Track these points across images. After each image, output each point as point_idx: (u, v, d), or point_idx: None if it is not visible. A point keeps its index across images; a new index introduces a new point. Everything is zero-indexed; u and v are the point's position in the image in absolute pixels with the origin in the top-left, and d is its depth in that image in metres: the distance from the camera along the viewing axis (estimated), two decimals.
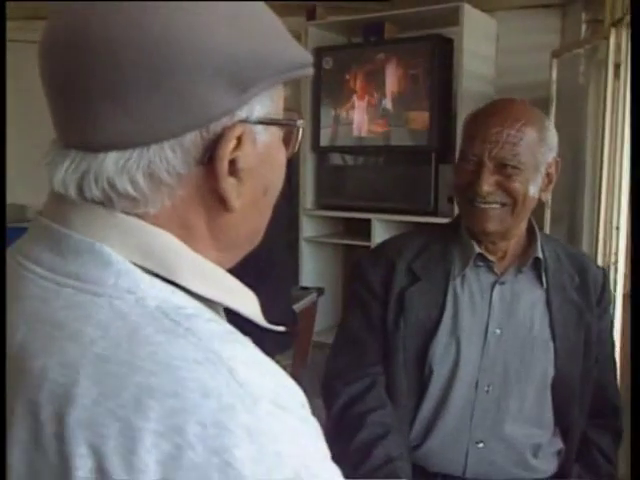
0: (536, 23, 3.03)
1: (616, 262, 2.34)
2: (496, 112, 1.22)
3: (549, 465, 1.30)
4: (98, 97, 0.47)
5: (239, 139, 0.51)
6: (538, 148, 1.21)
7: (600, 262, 2.40)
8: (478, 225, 1.22)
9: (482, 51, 2.99)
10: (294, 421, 0.47)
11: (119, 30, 0.46)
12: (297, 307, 2.53)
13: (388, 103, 3.00)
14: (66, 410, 0.44)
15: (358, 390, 1.27)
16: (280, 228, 2.20)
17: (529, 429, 1.27)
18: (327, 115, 3.13)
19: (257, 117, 0.52)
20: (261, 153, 0.54)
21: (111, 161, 0.49)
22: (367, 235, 2.98)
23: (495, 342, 1.25)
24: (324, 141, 3.14)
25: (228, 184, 0.51)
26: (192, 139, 0.49)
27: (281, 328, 0.58)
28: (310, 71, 0.57)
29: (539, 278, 1.28)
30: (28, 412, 0.45)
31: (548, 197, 1.27)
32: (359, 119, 3.07)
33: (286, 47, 0.54)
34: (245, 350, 0.49)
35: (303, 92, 3.18)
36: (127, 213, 0.51)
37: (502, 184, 1.19)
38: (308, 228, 3.24)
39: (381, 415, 1.24)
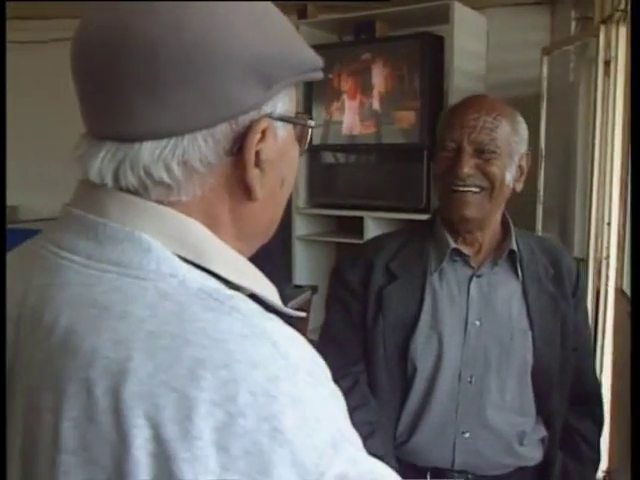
0: (526, 20, 3.05)
1: (608, 257, 2.36)
2: (473, 103, 1.29)
3: (535, 452, 1.33)
4: (136, 92, 0.50)
5: (263, 132, 0.55)
6: (512, 137, 1.26)
7: (592, 257, 2.42)
8: (457, 211, 1.25)
9: (472, 48, 3.00)
10: (325, 391, 0.51)
11: (159, 31, 0.50)
12: (291, 305, 2.53)
13: (375, 102, 3.01)
14: (121, 384, 0.46)
15: (341, 389, 1.29)
16: None
17: (513, 417, 1.29)
18: (318, 113, 3.13)
19: (278, 113, 0.56)
20: (280, 147, 0.57)
21: (147, 150, 0.52)
22: (360, 233, 2.98)
23: (475, 333, 1.28)
24: (316, 139, 3.14)
25: (254, 174, 0.55)
26: (223, 130, 0.53)
27: (302, 314, 0.61)
28: (321, 75, 0.62)
29: (515, 270, 1.31)
30: (80, 389, 0.47)
31: (520, 187, 1.31)
32: (350, 118, 3.08)
33: (302, 50, 0.59)
34: (281, 325, 0.52)
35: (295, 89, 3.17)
36: (160, 202, 0.54)
37: (481, 167, 1.24)
38: (301, 226, 3.24)
39: (365, 413, 1.26)
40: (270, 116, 0.55)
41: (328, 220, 3.36)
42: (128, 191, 0.53)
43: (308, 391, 0.49)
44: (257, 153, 0.55)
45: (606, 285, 2.38)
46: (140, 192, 0.53)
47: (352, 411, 1.25)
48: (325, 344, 1.35)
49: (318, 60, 0.60)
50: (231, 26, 0.52)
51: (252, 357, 0.47)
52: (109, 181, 0.53)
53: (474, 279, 1.30)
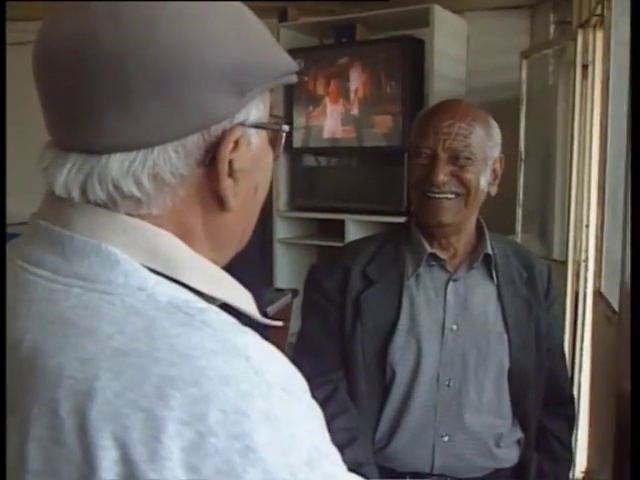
0: (506, 24, 3.07)
1: (586, 260, 2.38)
2: (446, 109, 1.28)
3: (511, 454, 1.34)
4: (104, 103, 0.49)
5: (236, 141, 0.53)
6: (486, 142, 1.26)
7: (570, 259, 2.44)
8: (434, 218, 1.26)
9: (453, 52, 3.01)
10: (302, 406, 0.50)
11: (128, 41, 0.48)
12: (272, 309, 2.52)
13: (356, 106, 3.01)
14: (88, 404, 0.44)
15: (321, 397, 1.28)
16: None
17: (490, 419, 1.30)
18: (299, 116, 3.13)
19: (252, 121, 0.55)
20: (253, 155, 0.56)
21: (116, 163, 0.50)
22: (341, 236, 2.98)
23: (453, 337, 1.29)
24: (297, 142, 3.13)
25: (227, 184, 0.54)
26: (194, 141, 0.52)
27: (279, 323, 0.61)
28: (295, 78, 0.61)
29: (490, 274, 1.32)
30: (47, 410, 0.46)
31: (494, 191, 1.32)
32: (331, 121, 3.08)
33: (277, 54, 0.58)
34: (255, 339, 0.50)
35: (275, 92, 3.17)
36: (130, 214, 0.52)
37: (456, 174, 1.24)
38: (282, 230, 3.23)
39: (346, 420, 1.26)
40: (243, 124, 0.54)
41: (309, 223, 3.36)
42: (96, 204, 0.52)
43: (283, 407, 0.47)
44: (230, 162, 0.54)
45: (585, 287, 2.39)
46: (109, 206, 0.52)
47: (331, 419, 1.25)
48: (302, 352, 1.34)
49: (292, 64, 0.60)
50: (204, 33, 0.50)
51: (223, 373, 0.46)
52: (76, 195, 0.51)
53: (450, 283, 1.30)
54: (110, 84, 0.49)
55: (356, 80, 2.99)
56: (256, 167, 0.57)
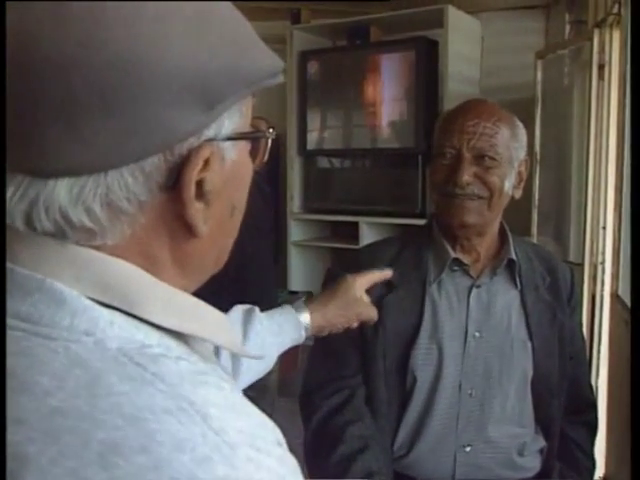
0: (520, 24, 3.05)
1: (603, 262, 2.35)
2: (471, 108, 1.26)
3: (534, 463, 1.31)
4: (47, 120, 0.42)
5: (206, 160, 0.46)
6: (512, 143, 1.23)
7: (587, 262, 2.41)
8: (457, 218, 1.23)
9: (467, 52, 3.00)
10: (273, 463, 0.43)
11: (69, 48, 0.41)
12: None
13: (371, 107, 3.00)
14: (20, 472, 0.39)
15: (336, 403, 1.26)
16: (262, 234, 2.19)
17: (513, 429, 1.27)
18: (313, 118, 3.12)
19: (225, 134, 0.48)
20: (228, 172, 0.49)
21: (63, 189, 0.44)
22: (355, 238, 2.97)
23: (475, 345, 1.26)
24: (311, 144, 3.13)
25: (195, 209, 0.47)
26: (154, 163, 0.45)
27: (256, 355, 0.54)
28: (281, 78, 0.53)
29: (513, 279, 1.29)
30: None
31: (519, 194, 1.29)
32: (346, 123, 3.07)
33: (256, 55, 0.49)
34: (219, 392, 0.45)
35: (289, 95, 3.17)
36: (81, 245, 0.46)
37: (480, 176, 1.21)
38: (296, 232, 3.23)
39: (360, 428, 1.23)
40: (214, 139, 0.47)
41: (323, 225, 3.35)
42: (43, 233, 0.45)
43: (248, 470, 0.41)
44: (199, 183, 0.46)
45: (602, 290, 2.36)
46: (57, 236, 0.45)
47: (345, 426, 1.22)
48: (320, 357, 1.32)
49: (277, 63, 0.51)
50: (160, 38, 0.43)
51: (177, 437, 0.40)
52: (20, 224, 0.44)
53: (474, 289, 1.27)
54: (51, 98, 0.41)
55: (372, 81, 2.98)
56: (232, 185, 0.50)
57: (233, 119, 0.48)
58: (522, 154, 1.26)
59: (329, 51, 3.19)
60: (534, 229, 2.72)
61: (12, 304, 0.45)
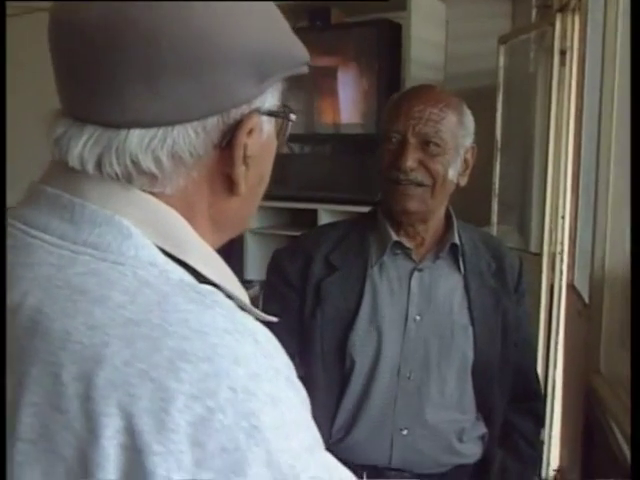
0: (486, 8, 2.98)
1: (562, 252, 2.31)
2: (418, 94, 1.26)
3: (474, 449, 1.31)
4: (130, 78, 0.49)
5: (251, 129, 0.54)
6: (458, 130, 1.23)
7: (546, 252, 2.37)
8: (399, 205, 1.23)
9: (431, 37, 2.93)
10: (300, 397, 0.51)
11: (161, 21, 0.49)
12: None
13: (331, 92, 2.93)
14: (94, 370, 0.44)
15: None
16: None
17: (452, 414, 1.28)
18: None
19: (267, 108, 0.56)
20: (264, 143, 0.57)
21: (135, 138, 0.50)
22: (314, 226, 2.90)
23: (415, 328, 1.26)
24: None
25: (240, 169, 0.54)
26: (214, 123, 0.52)
27: (274, 319, 0.59)
28: (306, 69, 0.61)
29: (457, 264, 1.29)
30: (46, 373, 0.45)
31: (464, 181, 1.28)
32: (305, 108, 2.99)
33: (294, 44, 0.59)
34: (262, 326, 0.51)
35: None
36: (143, 191, 0.52)
37: (424, 163, 1.21)
38: (253, 219, 3.15)
39: None
40: (259, 110, 0.55)
41: (281, 213, 3.27)
42: (109, 177, 0.52)
43: (287, 394, 0.49)
44: (244, 148, 0.54)
45: (560, 280, 2.33)
46: (123, 180, 0.52)
47: None
48: None
49: (307, 54, 0.61)
50: (233, 19, 0.51)
51: (235, 352, 0.46)
52: (91, 168, 0.51)
53: (415, 273, 1.27)
54: (139, 61, 0.49)
55: (333, 64, 2.90)
56: (265, 155, 0.58)
57: (273, 95, 0.57)
58: (468, 141, 1.26)
59: None
60: (494, 218, 2.67)
61: (78, 233, 0.50)
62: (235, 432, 0.44)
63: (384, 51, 2.79)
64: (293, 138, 3.06)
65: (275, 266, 1.36)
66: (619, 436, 1.38)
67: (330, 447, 1.23)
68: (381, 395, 1.25)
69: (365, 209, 2.70)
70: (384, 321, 1.25)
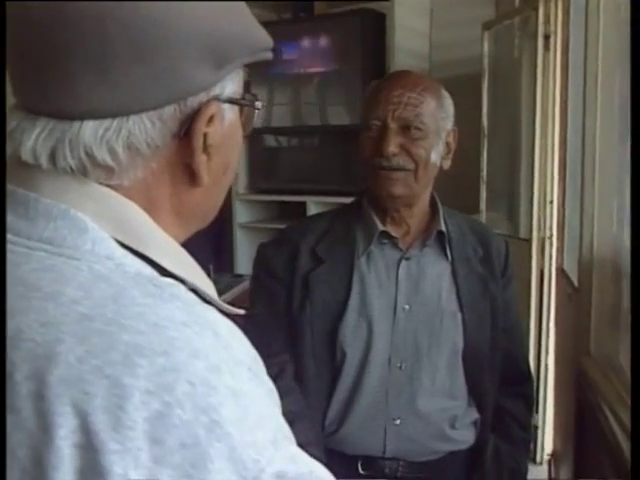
0: None
1: (551, 237, 2.32)
2: (396, 79, 1.27)
3: (467, 435, 1.32)
4: (81, 67, 0.48)
5: (211, 116, 0.52)
6: (438, 113, 1.24)
7: (535, 237, 2.38)
8: (384, 190, 1.23)
9: (415, 25, 2.93)
10: (263, 390, 0.50)
11: (109, 5, 0.47)
12: (230, 295, 2.45)
13: (318, 82, 2.92)
14: (47, 369, 0.43)
15: None
16: None
17: (444, 401, 1.28)
18: (260, 95, 3.03)
19: (227, 95, 0.54)
20: (227, 131, 0.55)
21: (89, 130, 0.49)
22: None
23: (405, 317, 1.26)
24: (257, 121, 3.03)
25: (201, 159, 0.53)
26: (170, 112, 0.51)
27: (240, 311, 0.59)
28: (270, 55, 0.59)
29: (444, 251, 1.29)
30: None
31: (448, 164, 1.29)
32: (293, 99, 2.98)
33: (256, 28, 0.57)
34: (223, 318, 0.50)
35: None
36: (100, 184, 0.51)
37: (406, 147, 1.21)
38: (242, 213, 3.15)
39: (287, 403, 1.21)
40: (218, 98, 0.53)
41: (270, 206, 3.28)
42: (64, 171, 0.50)
43: (250, 386, 0.47)
44: (204, 137, 0.52)
45: (550, 265, 2.33)
46: (77, 174, 0.50)
47: None
48: (249, 333, 1.29)
49: (270, 40, 0.59)
50: (186, 3, 0.49)
51: (193, 345, 0.45)
52: (44, 161, 0.49)
53: (403, 262, 1.27)
54: (88, 47, 0.47)
55: (319, 55, 2.89)
56: (228, 144, 0.56)
57: (233, 82, 0.55)
58: (449, 124, 1.26)
59: (273, 24, 3.08)
60: (483, 205, 2.67)
61: (33, 229, 0.49)
62: (195, 427, 0.43)
63: (369, 41, 2.78)
64: (280, 131, 3.07)
65: (261, 260, 1.35)
66: (610, 417, 1.38)
67: (324, 439, 1.25)
68: (373, 386, 1.25)
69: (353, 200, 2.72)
70: (373, 312, 1.25)
